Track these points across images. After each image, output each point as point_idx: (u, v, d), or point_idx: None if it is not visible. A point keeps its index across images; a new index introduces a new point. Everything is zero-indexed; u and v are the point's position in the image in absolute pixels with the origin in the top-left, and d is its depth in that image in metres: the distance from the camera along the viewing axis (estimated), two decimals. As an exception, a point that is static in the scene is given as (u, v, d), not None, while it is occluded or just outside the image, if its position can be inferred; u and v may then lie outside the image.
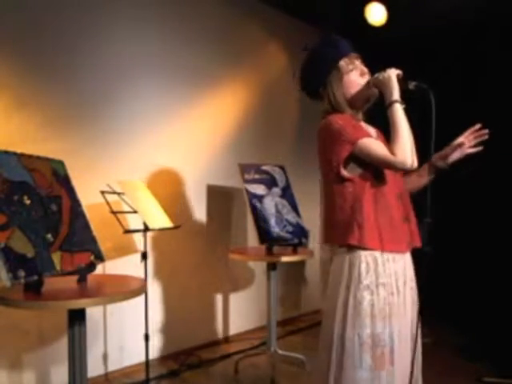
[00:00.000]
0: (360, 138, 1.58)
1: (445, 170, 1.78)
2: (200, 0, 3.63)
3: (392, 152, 1.54)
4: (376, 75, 1.65)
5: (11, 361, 2.58)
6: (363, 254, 1.58)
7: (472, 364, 3.20)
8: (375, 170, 1.62)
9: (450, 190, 3.91)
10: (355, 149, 1.58)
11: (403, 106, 1.58)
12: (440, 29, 4.05)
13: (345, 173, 1.61)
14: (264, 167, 3.38)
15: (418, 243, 1.68)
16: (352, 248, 1.59)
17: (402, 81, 1.60)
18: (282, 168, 3.48)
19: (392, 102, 1.57)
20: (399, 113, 1.56)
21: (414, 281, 1.71)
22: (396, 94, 1.58)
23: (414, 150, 1.55)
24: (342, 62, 1.70)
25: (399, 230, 1.63)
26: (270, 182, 3.34)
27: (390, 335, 1.56)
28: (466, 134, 1.75)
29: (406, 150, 1.52)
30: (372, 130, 1.76)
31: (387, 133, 1.64)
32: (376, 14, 3.94)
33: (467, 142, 1.73)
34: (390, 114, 1.58)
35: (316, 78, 1.75)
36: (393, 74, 1.60)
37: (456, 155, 1.75)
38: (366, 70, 1.71)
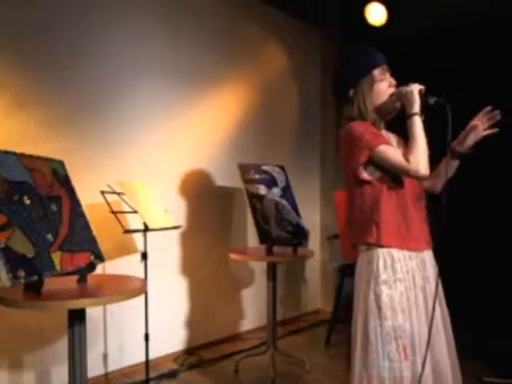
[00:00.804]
0: (378, 144, 1.70)
1: (467, 153, 1.83)
2: (200, 0, 3.64)
3: (407, 160, 1.65)
4: (400, 88, 1.75)
5: (11, 361, 2.59)
6: (381, 251, 1.70)
7: (472, 364, 3.19)
8: (394, 173, 1.73)
9: (457, 190, 3.89)
10: (373, 154, 1.70)
11: (422, 118, 1.69)
12: (440, 29, 4.05)
13: (364, 175, 1.73)
14: (264, 167, 3.38)
15: (433, 242, 1.80)
16: (371, 246, 1.72)
17: (423, 95, 1.70)
18: (282, 168, 3.47)
19: (412, 115, 1.68)
20: (417, 125, 1.68)
21: (438, 277, 1.79)
22: (416, 107, 1.68)
23: (427, 159, 1.66)
24: (375, 71, 1.79)
25: (417, 230, 1.74)
26: (270, 182, 3.33)
27: (411, 328, 1.65)
28: (479, 116, 1.81)
29: (419, 159, 1.63)
30: (393, 138, 1.88)
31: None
32: (376, 14, 3.95)
33: (481, 124, 1.79)
34: (409, 125, 1.69)
35: (348, 80, 1.83)
36: (415, 88, 1.69)
37: (472, 139, 1.81)
38: (394, 82, 1.81)
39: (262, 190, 3.25)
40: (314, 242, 4.53)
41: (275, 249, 3.10)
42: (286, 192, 3.39)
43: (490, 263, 3.90)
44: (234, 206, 3.92)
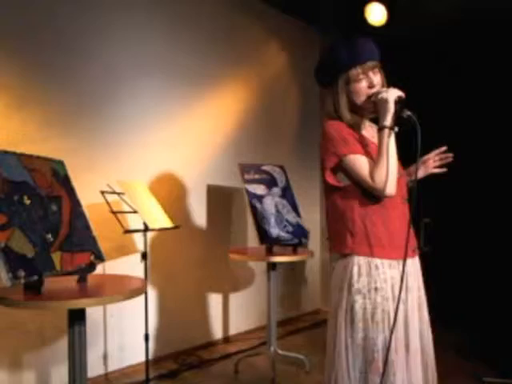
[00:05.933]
0: (346, 153, 1.59)
1: (412, 188, 1.78)
2: (200, 0, 3.64)
3: (371, 176, 1.56)
4: (377, 91, 1.62)
5: (11, 361, 2.58)
6: (356, 258, 1.60)
7: (472, 364, 3.20)
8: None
9: (449, 189, 3.91)
10: (341, 163, 1.62)
11: (395, 130, 1.58)
12: (440, 29, 4.05)
13: (331, 179, 1.65)
14: (264, 167, 3.38)
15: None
16: (346, 254, 1.63)
17: (399, 105, 1.56)
18: (281, 168, 3.48)
19: (382, 127, 1.58)
20: (386, 138, 1.57)
21: (423, 288, 1.70)
22: (388, 118, 1.56)
23: (394, 178, 1.56)
24: (354, 70, 1.63)
25: (398, 236, 1.60)
26: (270, 182, 3.33)
27: (384, 342, 1.54)
28: (432, 154, 1.83)
29: (384, 177, 1.54)
30: (375, 134, 1.73)
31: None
32: (376, 14, 3.94)
33: (432, 162, 1.83)
34: (379, 138, 1.60)
35: (325, 75, 1.73)
36: (391, 96, 1.56)
37: (420, 173, 1.82)
38: (376, 81, 1.64)
39: (262, 189, 3.25)
40: (314, 242, 4.53)
41: (275, 249, 3.10)
42: (286, 192, 3.39)
43: (490, 264, 3.90)
44: (234, 206, 3.92)
